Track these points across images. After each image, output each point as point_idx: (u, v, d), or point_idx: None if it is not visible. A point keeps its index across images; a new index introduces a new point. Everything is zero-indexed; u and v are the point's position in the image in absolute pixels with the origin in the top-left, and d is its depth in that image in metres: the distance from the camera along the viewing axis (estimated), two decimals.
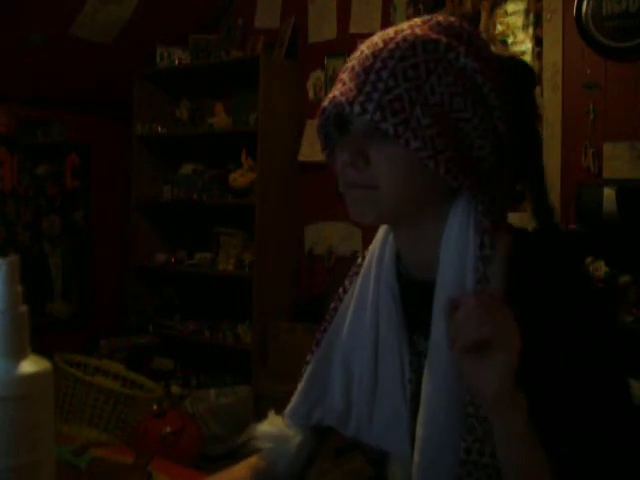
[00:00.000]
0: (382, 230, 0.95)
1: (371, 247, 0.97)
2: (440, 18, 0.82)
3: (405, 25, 0.82)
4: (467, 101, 0.78)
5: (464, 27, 0.82)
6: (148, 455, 1.08)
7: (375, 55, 0.79)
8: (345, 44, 3.51)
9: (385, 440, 0.87)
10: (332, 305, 1.00)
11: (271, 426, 1.00)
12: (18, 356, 0.66)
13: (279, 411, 1.00)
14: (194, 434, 2.84)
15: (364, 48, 0.81)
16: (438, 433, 0.79)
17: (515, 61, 0.88)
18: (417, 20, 0.83)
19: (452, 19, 0.83)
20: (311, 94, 3.65)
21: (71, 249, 3.94)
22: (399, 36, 0.79)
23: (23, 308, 0.68)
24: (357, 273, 0.98)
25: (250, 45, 3.74)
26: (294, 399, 0.98)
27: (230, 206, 3.74)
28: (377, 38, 0.81)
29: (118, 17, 3.52)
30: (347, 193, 0.87)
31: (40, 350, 0.70)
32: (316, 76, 3.63)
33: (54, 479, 0.69)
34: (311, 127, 3.62)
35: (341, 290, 1.00)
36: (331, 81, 3.56)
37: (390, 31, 0.82)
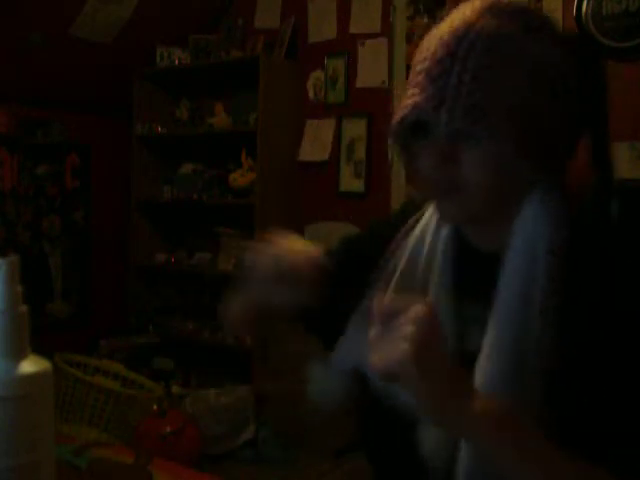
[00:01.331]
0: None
1: (426, 217, 0.95)
2: (503, 2, 0.81)
3: (469, 12, 0.80)
4: (545, 93, 0.78)
5: (530, 11, 0.82)
6: (148, 455, 1.08)
7: (451, 55, 0.78)
8: (345, 44, 3.51)
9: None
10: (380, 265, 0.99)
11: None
12: (18, 356, 0.66)
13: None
14: (194, 434, 2.84)
15: (436, 47, 0.80)
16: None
17: (580, 37, 0.88)
18: (478, 4, 0.81)
19: (515, 2, 0.82)
20: (311, 94, 3.65)
21: (71, 249, 3.94)
22: (472, 32, 0.78)
23: (23, 308, 0.68)
24: (405, 238, 0.96)
25: (250, 45, 3.74)
26: (337, 349, 0.97)
27: (230, 206, 3.74)
28: (447, 34, 0.80)
29: (118, 17, 3.52)
30: (435, 197, 0.86)
31: (40, 350, 0.70)
32: (316, 76, 3.63)
33: (54, 479, 0.69)
34: (311, 127, 3.62)
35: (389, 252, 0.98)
36: (331, 81, 3.56)
37: (457, 22, 0.80)
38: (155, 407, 2.88)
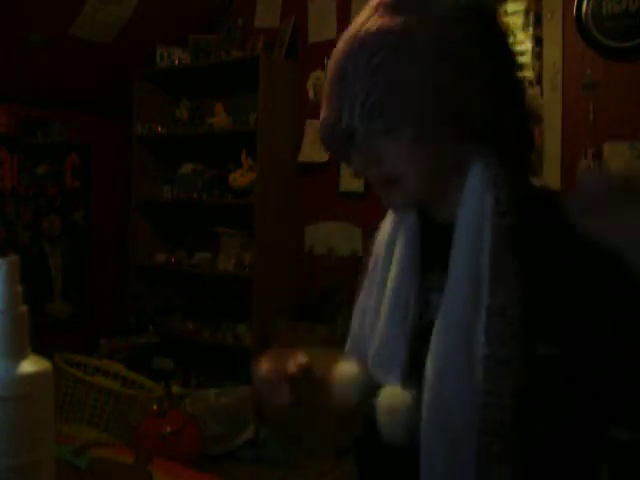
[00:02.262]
0: None
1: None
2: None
3: (362, 16, 0.84)
4: (447, 73, 0.79)
5: None
6: (148, 455, 1.08)
7: (344, 62, 0.81)
8: None
9: (380, 371, 0.90)
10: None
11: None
12: (18, 356, 0.66)
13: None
14: (194, 434, 2.84)
15: (333, 60, 0.84)
16: (451, 372, 0.80)
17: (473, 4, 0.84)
18: (369, 6, 0.84)
19: None
20: (311, 94, 3.65)
21: (71, 249, 3.94)
22: (359, 35, 0.81)
23: (23, 308, 0.68)
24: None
25: (250, 45, 3.74)
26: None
27: (230, 206, 3.74)
28: (341, 42, 0.84)
29: (118, 17, 3.52)
30: (378, 192, 0.90)
31: (40, 350, 0.70)
32: (316, 76, 3.63)
33: (54, 479, 0.69)
34: (311, 127, 3.62)
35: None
36: None
37: (352, 28, 0.83)
38: (155, 407, 2.88)
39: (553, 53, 2.89)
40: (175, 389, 3.57)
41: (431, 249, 0.91)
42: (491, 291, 0.79)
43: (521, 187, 0.85)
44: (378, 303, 0.93)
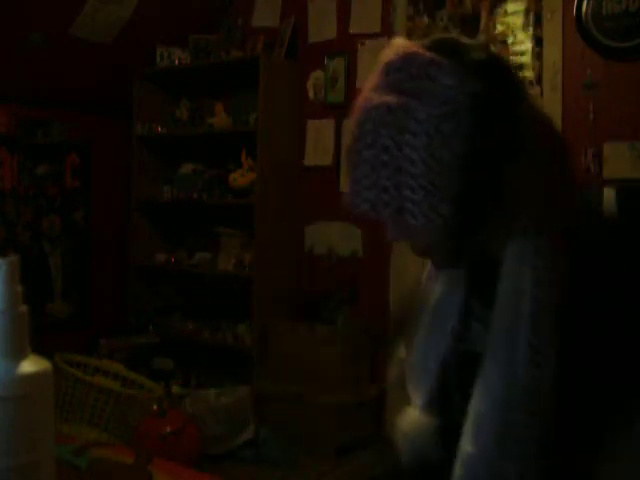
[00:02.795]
0: None
1: None
2: (395, 56, 0.79)
3: (370, 85, 0.81)
4: (449, 152, 0.76)
5: (420, 55, 0.78)
6: (148, 455, 1.08)
7: (353, 144, 0.81)
8: (345, 44, 3.51)
9: (414, 393, 0.91)
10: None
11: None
12: (18, 356, 0.66)
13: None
14: (194, 434, 2.84)
15: (349, 128, 0.83)
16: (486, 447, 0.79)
17: (490, 68, 0.80)
18: (377, 71, 0.81)
19: (407, 46, 0.80)
20: (311, 94, 3.65)
21: (71, 249, 3.94)
22: (363, 114, 0.79)
23: (23, 308, 0.68)
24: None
25: (250, 45, 3.74)
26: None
27: (230, 206, 3.74)
28: (353, 115, 0.82)
29: (118, 17, 3.52)
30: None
31: (40, 350, 0.70)
32: (316, 76, 3.63)
33: (54, 479, 0.69)
34: (312, 128, 3.62)
35: None
36: (331, 81, 3.56)
37: (360, 100, 0.81)
38: (155, 407, 2.88)
39: (553, 53, 2.89)
40: (175, 389, 3.57)
41: (471, 278, 0.91)
42: (529, 369, 0.78)
43: (562, 253, 0.80)
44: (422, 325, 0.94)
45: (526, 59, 2.93)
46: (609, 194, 2.64)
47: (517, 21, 2.99)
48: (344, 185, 3.49)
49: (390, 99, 0.77)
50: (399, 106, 0.76)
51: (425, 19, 3.23)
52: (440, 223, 0.78)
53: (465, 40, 0.81)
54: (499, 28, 3.04)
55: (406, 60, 0.78)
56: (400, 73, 0.78)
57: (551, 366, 0.76)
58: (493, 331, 0.81)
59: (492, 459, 0.79)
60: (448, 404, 0.86)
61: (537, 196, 0.80)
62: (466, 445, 0.81)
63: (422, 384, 0.89)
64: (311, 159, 3.62)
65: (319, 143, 3.59)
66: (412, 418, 0.88)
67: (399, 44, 0.80)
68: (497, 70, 0.80)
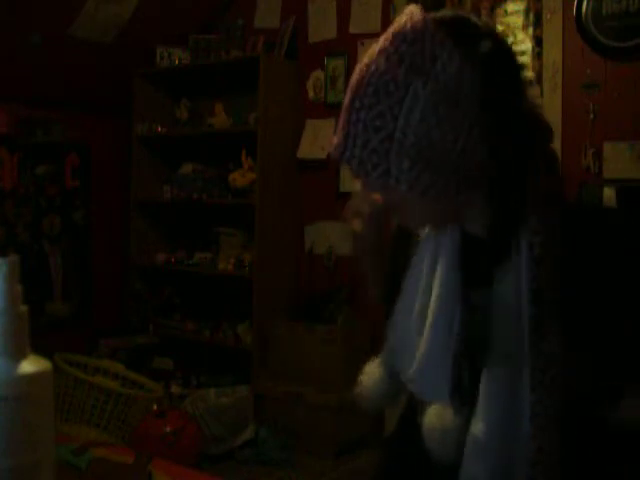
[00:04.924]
0: None
1: None
2: (408, 27, 0.81)
3: (376, 49, 0.82)
4: (444, 127, 0.79)
5: (431, 35, 0.80)
6: (148, 455, 1.08)
7: (352, 102, 0.82)
8: (345, 44, 3.51)
9: (423, 388, 0.92)
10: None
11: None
12: (18, 356, 0.66)
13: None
14: (194, 434, 2.84)
15: (350, 83, 0.84)
16: (500, 408, 0.83)
17: (488, 51, 0.82)
18: (388, 37, 0.82)
19: (420, 20, 0.81)
20: (311, 94, 3.65)
21: (71, 249, 3.94)
22: (367, 75, 0.81)
23: (23, 308, 0.68)
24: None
25: (250, 45, 3.74)
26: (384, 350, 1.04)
27: (230, 206, 3.74)
28: (356, 73, 0.83)
29: (118, 17, 3.52)
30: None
31: (40, 350, 0.70)
32: (316, 76, 3.63)
33: (54, 479, 0.69)
34: (311, 126, 3.62)
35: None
36: (331, 81, 3.56)
37: (365, 60, 0.83)
38: (155, 407, 2.88)
39: (553, 53, 2.89)
40: (175, 389, 3.57)
41: (472, 264, 0.91)
42: (534, 344, 0.80)
43: (556, 225, 0.84)
44: (421, 321, 0.93)
45: (526, 59, 2.93)
46: (609, 194, 2.65)
47: (517, 21, 2.99)
48: (344, 185, 3.50)
49: (396, 70, 0.79)
50: (403, 79, 0.78)
51: None
52: (422, 192, 0.80)
53: (477, 21, 0.83)
54: (499, 28, 3.04)
55: (418, 35, 0.80)
56: (410, 47, 0.79)
57: (557, 336, 0.79)
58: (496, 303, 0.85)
59: (502, 438, 0.82)
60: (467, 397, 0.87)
61: (525, 177, 0.84)
62: (477, 424, 0.84)
63: (440, 383, 0.89)
64: (307, 153, 3.60)
65: (319, 143, 3.58)
66: (443, 416, 0.89)
67: (414, 14, 0.82)
68: (501, 63, 0.82)
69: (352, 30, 3.49)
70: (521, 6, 2.98)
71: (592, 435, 0.81)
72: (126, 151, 4.01)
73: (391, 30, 0.82)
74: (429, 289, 0.92)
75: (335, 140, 0.85)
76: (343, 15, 3.53)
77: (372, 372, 1.01)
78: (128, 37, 3.64)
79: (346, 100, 0.84)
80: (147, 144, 4.03)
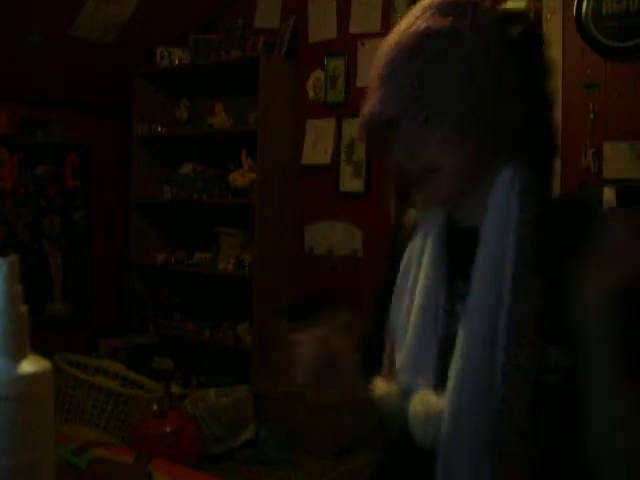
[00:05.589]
0: None
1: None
2: (453, 2, 0.86)
3: (412, 16, 0.88)
4: (484, 80, 0.84)
5: (466, 2, 0.86)
6: (148, 455, 1.08)
7: (391, 60, 0.86)
8: (345, 44, 3.51)
9: (409, 377, 0.92)
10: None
11: None
12: (18, 356, 0.66)
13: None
14: (194, 434, 2.84)
15: (380, 56, 0.89)
16: (472, 373, 0.83)
17: (518, 20, 0.91)
18: (424, 4, 0.88)
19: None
20: (311, 94, 3.65)
21: (71, 249, 3.94)
22: (409, 32, 0.86)
23: (23, 308, 0.68)
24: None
25: (250, 45, 3.74)
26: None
27: (230, 206, 3.74)
28: (391, 39, 0.88)
29: (118, 17, 3.52)
30: (410, 185, 0.93)
31: (40, 350, 0.70)
32: (316, 76, 3.63)
33: (54, 479, 0.69)
34: (312, 128, 3.62)
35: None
36: (331, 81, 3.56)
37: (402, 25, 0.88)
38: (155, 407, 2.88)
39: (553, 53, 2.89)
40: (175, 389, 3.57)
41: (457, 256, 0.93)
42: (512, 301, 0.82)
43: (547, 195, 0.89)
44: (408, 310, 0.95)
45: None
46: (609, 194, 2.65)
47: None
48: (344, 185, 3.50)
49: (440, 25, 0.84)
50: (450, 32, 0.84)
51: None
52: (460, 136, 0.84)
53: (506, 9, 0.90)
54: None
55: (461, 2, 0.86)
56: (453, 9, 0.86)
57: (536, 293, 0.81)
58: (475, 277, 0.86)
59: (480, 378, 0.82)
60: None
61: (536, 140, 0.89)
62: (456, 361, 0.85)
63: (424, 371, 0.90)
64: (311, 159, 3.61)
65: (319, 143, 3.58)
66: (428, 402, 0.89)
67: None
68: (532, 45, 0.92)
69: (352, 30, 3.49)
70: (521, 6, 2.98)
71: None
72: (126, 151, 4.01)
73: (425, 4, 0.88)
74: (416, 282, 0.95)
75: (369, 105, 0.88)
76: (343, 15, 3.53)
77: (388, 393, 0.97)
78: (128, 37, 3.64)
79: (381, 66, 0.88)
80: (147, 144, 4.03)
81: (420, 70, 0.84)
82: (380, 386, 0.96)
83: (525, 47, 0.89)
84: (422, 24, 0.86)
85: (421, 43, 0.85)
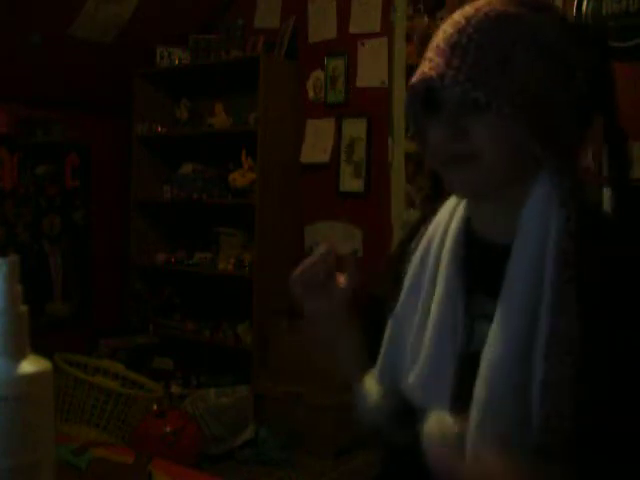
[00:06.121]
0: (451, 201, 0.96)
1: (438, 216, 0.97)
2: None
3: (482, 2, 0.85)
4: (551, 73, 0.82)
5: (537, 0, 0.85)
6: (148, 455, 1.08)
7: (460, 31, 0.82)
8: (345, 44, 3.51)
9: (423, 395, 0.88)
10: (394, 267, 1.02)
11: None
12: (18, 356, 0.66)
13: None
14: (194, 434, 2.84)
15: (447, 27, 0.85)
16: (500, 395, 0.79)
17: (591, 29, 0.92)
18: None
19: None
20: (311, 94, 3.65)
21: (71, 249, 3.94)
22: (480, 13, 0.83)
23: (23, 308, 0.68)
24: (423, 235, 0.98)
25: (250, 45, 3.74)
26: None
27: (230, 206, 3.74)
28: (458, 17, 0.84)
29: (118, 17, 3.52)
30: (447, 168, 0.87)
31: (40, 350, 0.70)
32: (316, 76, 3.63)
33: (54, 479, 0.69)
34: (311, 128, 3.62)
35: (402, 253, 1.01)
36: (331, 81, 3.56)
37: (470, 9, 0.85)
38: (155, 407, 2.88)
39: None
40: (175, 389, 3.57)
41: (476, 270, 0.88)
42: (552, 321, 0.77)
43: (587, 205, 0.84)
44: (422, 324, 0.90)
45: None
46: (609, 194, 2.64)
47: None
48: (344, 185, 3.49)
49: (517, 10, 0.83)
50: (526, 16, 0.83)
51: (425, 19, 3.23)
52: (519, 120, 0.79)
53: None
54: None
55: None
56: (533, 3, 0.85)
57: (574, 311, 0.76)
58: (506, 289, 0.81)
59: (508, 405, 0.78)
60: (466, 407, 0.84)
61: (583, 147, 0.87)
62: (481, 391, 0.80)
63: (440, 391, 0.86)
64: (310, 157, 3.61)
65: (319, 143, 3.58)
66: (443, 423, 0.87)
67: None
68: (604, 59, 0.93)
69: (352, 30, 3.49)
70: None
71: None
72: (126, 151, 4.01)
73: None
74: (432, 290, 0.90)
75: (428, 66, 0.83)
76: (343, 15, 3.53)
77: (370, 391, 0.95)
78: (128, 37, 3.64)
79: (450, 33, 0.83)
80: (147, 144, 4.03)
81: (487, 49, 0.80)
82: (368, 384, 0.94)
83: (598, 59, 0.90)
84: (499, 7, 0.83)
85: (497, 24, 0.82)
